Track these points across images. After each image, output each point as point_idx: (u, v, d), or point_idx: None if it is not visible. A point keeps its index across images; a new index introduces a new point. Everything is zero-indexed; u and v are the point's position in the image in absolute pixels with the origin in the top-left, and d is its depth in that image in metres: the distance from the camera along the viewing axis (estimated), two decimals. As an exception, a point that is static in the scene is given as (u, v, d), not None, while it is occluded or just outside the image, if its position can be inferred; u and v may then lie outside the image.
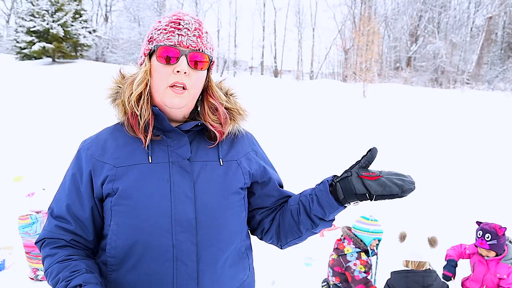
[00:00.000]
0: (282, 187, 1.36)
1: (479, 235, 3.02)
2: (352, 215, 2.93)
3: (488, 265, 3.00)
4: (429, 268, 2.68)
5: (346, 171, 1.13)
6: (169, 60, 1.10)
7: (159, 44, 1.11)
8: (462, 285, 3.18)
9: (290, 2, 44.83)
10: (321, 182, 1.18)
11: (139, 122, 1.13)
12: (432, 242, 2.71)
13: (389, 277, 2.76)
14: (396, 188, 1.04)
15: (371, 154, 1.09)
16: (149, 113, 1.13)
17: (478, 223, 3.11)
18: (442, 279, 2.71)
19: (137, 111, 1.12)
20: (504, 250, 3.00)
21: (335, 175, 1.17)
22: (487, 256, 3.02)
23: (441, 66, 31.60)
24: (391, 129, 13.66)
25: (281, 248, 1.34)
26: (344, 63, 31.68)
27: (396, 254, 3.40)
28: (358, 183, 1.09)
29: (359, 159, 1.12)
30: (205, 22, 1.16)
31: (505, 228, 2.97)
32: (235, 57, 33.78)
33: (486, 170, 9.14)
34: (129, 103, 1.14)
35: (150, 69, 1.14)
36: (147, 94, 1.14)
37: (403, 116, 15.66)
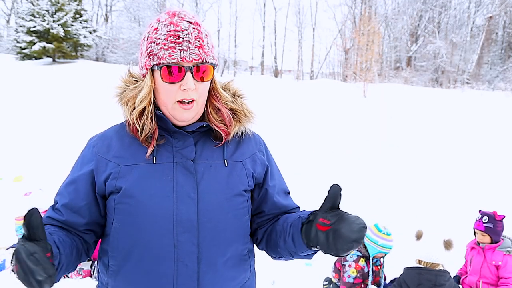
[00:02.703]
0: (289, 194, 1.34)
1: (478, 218, 3.11)
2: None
3: (485, 254, 3.05)
4: (443, 269, 2.70)
5: (312, 213, 1.07)
6: (174, 78, 1.08)
7: (161, 62, 1.07)
8: (461, 284, 3.19)
9: (290, 2, 44.77)
10: (299, 217, 1.13)
11: (140, 133, 1.13)
12: (448, 245, 2.71)
13: (402, 272, 2.78)
14: (333, 249, 0.97)
15: (332, 194, 1.00)
16: (152, 128, 1.12)
17: (480, 211, 3.20)
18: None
19: (138, 126, 1.12)
20: (500, 241, 3.05)
21: (311, 213, 1.09)
22: (482, 243, 3.07)
23: (442, 66, 31.58)
24: (392, 129, 13.65)
25: (274, 259, 1.32)
26: (344, 63, 31.65)
27: (402, 252, 3.39)
28: (314, 231, 1.02)
29: (325, 198, 1.02)
30: (205, 22, 1.14)
31: (504, 215, 3.03)
32: (235, 57, 33.75)
33: (486, 169, 9.14)
34: (131, 116, 1.13)
35: (154, 84, 1.12)
36: (151, 109, 1.13)
37: (404, 116, 15.64)
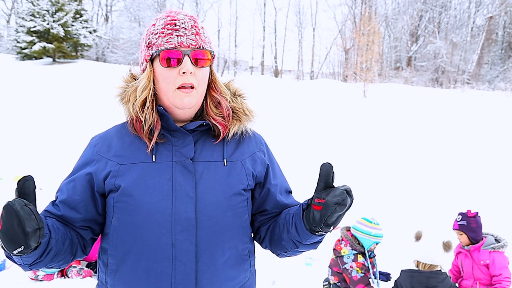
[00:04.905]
0: (290, 193, 1.34)
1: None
2: (353, 214, 2.94)
3: (472, 256, 3.07)
4: (438, 270, 2.69)
5: (310, 198, 1.07)
6: (173, 63, 1.10)
7: (160, 48, 1.10)
8: (459, 287, 3.21)
9: (291, 2, 44.84)
10: (299, 206, 1.14)
11: (143, 126, 1.13)
12: (447, 247, 2.71)
13: (399, 275, 2.81)
14: (323, 219, 0.98)
15: (324, 172, 1.01)
16: (154, 119, 1.13)
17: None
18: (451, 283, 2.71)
19: (142, 117, 1.13)
20: (482, 239, 3.07)
21: (310, 198, 1.09)
22: (464, 244, 3.10)
23: (442, 66, 31.56)
24: (392, 129, 13.66)
25: (279, 257, 1.32)
26: (345, 63, 31.66)
27: (402, 253, 3.41)
28: (311, 213, 1.03)
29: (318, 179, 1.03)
30: (205, 22, 1.16)
31: (476, 212, 3.08)
32: (236, 57, 33.73)
33: (486, 169, 9.14)
34: (133, 109, 1.14)
35: (154, 74, 1.14)
36: (151, 99, 1.14)
37: (404, 116, 15.65)
